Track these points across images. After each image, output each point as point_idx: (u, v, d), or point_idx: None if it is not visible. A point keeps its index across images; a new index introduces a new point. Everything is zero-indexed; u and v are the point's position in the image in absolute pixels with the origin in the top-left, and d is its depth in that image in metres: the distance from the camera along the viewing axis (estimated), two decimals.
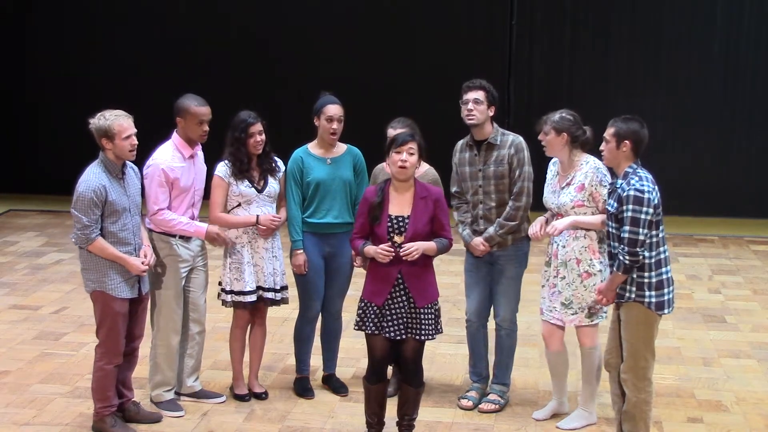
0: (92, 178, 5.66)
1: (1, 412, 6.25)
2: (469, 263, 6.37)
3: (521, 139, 6.22)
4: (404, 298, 5.50)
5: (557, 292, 5.99)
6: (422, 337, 5.53)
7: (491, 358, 6.50)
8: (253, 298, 6.31)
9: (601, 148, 5.53)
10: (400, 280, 5.49)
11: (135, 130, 5.72)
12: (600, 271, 5.85)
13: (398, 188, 5.56)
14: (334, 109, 6.29)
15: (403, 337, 5.52)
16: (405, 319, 5.50)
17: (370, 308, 5.54)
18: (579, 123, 5.91)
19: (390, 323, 5.49)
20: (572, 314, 5.95)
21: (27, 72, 13.09)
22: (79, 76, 12.84)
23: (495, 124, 6.26)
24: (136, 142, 5.73)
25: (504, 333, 6.37)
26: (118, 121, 5.66)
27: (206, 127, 6.11)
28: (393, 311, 5.50)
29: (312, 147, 6.41)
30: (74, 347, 7.41)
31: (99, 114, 5.71)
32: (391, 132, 6.10)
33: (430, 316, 5.52)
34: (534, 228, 5.99)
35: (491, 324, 6.44)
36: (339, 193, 6.34)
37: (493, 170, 6.16)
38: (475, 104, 6.12)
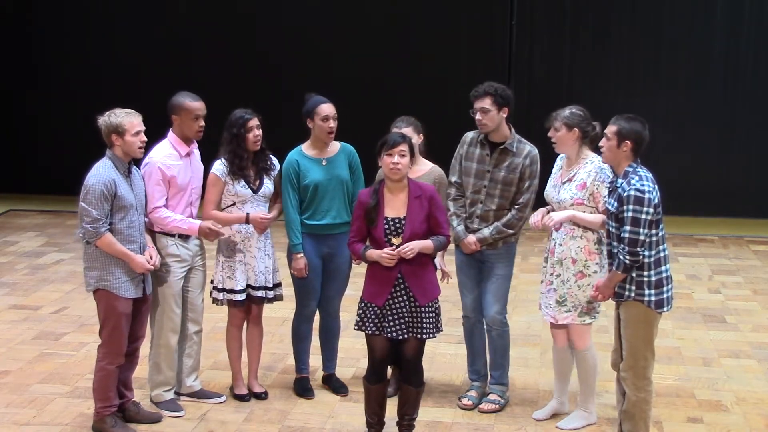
0: (102, 171, 5.69)
1: (1, 412, 6.25)
2: (460, 260, 6.37)
3: (536, 151, 6.20)
4: (405, 297, 5.50)
5: (553, 290, 6.00)
6: (424, 336, 5.53)
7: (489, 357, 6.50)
8: (242, 297, 6.32)
9: (601, 144, 5.53)
10: (401, 280, 5.50)
11: (144, 128, 5.77)
12: (595, 272, 5.84)
13: (392, 189, 5.56)
14: (328, 108, 6.28)
15: (405, 336, 5.52)
16: (406, 319, 5.51)
17: (371, 309, 5.54)
18: (589, 119, 5.91)
19: (391, 323, 5.50)
20: (566, 312, 5.96)
21: (27, 72, 13.08)
22: (79, 76, 12.84)
23: (513, 129, 6.23)
24: (146, 139, 5.78)
25: (495, 333, 6.36)
26: (129, 118, 5.72)
27: (202, 122, 6.13)
28: (394, 311, 5.50)
29: (306, 148, 6.39)
30: (74, 347, 7.41)
31: (108, 112, 5.76)
32: (396, 131, 6.13)
33: (431, 314, 5.53)
34: (535, 217, 5.99)
35: None
36: (337, 194, 6.34)
37: (503, 176, 6.15)
38: (483, 113, 6.10)
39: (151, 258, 5.85)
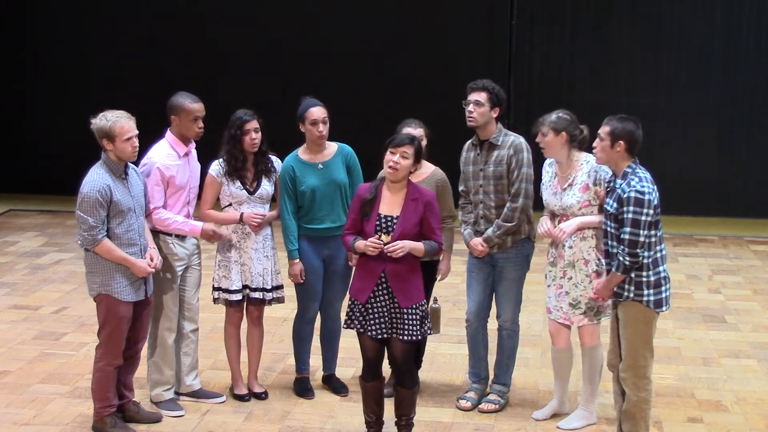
0: (96, 178, 5.65)
1: (1, 412, 6.25)
2: (471, 263, 6.37)
3: (522, 140, 6.19)
4: (387, 297, 5.48)
5: (564, 293, 5.97)
6: (404, 338, 5.50)
7: (491, 359, 6.49)
8: (238, 297, 6.31)
9: (594, 144, 5.52)
10: (384, 279, 5.48)
11: (136, 132, 5.70)
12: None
13: (391, 188, 5.55)
14: (317, 112, 6.26)
15: (385, 336, 5.51)
16: (387, 319, 5.49)
17: (356, 306, 5.55)
18: (576, 122, 5.89)
19: (373, 322, 5.49)
20: (580, 314, 5.95)
21: (27, 71, 13.09)
22: (79, 75, 12.84)
23: (499, 124, 6.23)
24: (137, 144, 5.73)
25: (505, 333, 6.36)
26: (119, 123, 5.64)
27: (201, 124, 6.11)
28: (376, 310, 5.49)
29: (302, 153, 6.38)
30: (74, 347, 7.41)
31: (101, 114, 5.70)
32: (410, 130, 6.13)
33: (414, 316, 5.49)
34: (544, 227, 5.97)
35: (492, 324, 6.44)
36: (335, 198, 6.33)
37: (493, 170, 6.15)
38: (476, 106, 6.10)
39: (152, 260, 5.85)
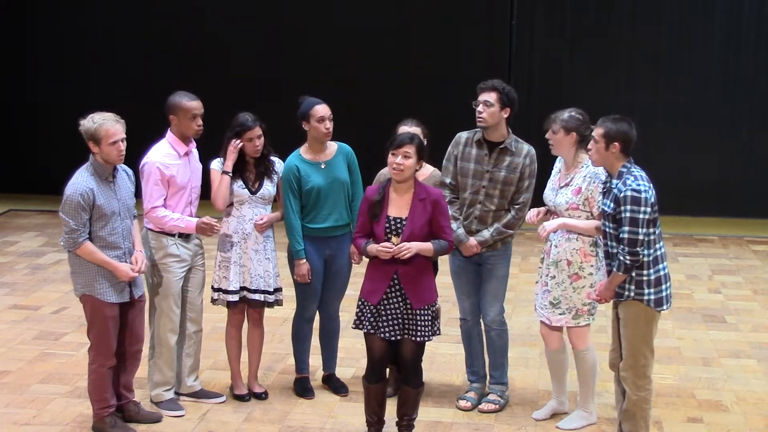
0: (80, 181, 5.63)
1: (1, 412, 6.26)
2: (457, 265, 6.32)
3: (534, 150, 6.19)
4: (399, 298, 5.49)
5: (547, 291, 6.00)
6: (418, 338, 5.51)
7: (488, 357, 6.50)
8: (235, 297, 6.30)
9: (589, 147, 5.52)
10: (396, 281, 5.48)
11: (123, 136, 5.62)
12: (590, 274, 5.84)
13: (398, 189, 5.55)
14: (323, 110, 6.25)
15: (398, 337, 5.51)
16: (400, 320, 5.49)
17: (367, 307, 5.54)
18: (587, 123, 5.87)
19: (385, 323, 5.49)
20: (560, 314, 5.96)
21: (27, 71, 13.08)
22: (79, 75, 12.82)
23: (509, 129, 6.21)
24: (123, 148, 5.62)
25: (494, 333, 6.35)
26: (105, 126, 5.57)
27: (200, 122, 6.10)
28: (388, 311, 5.49)
29: (304, 152, 6.37)
30: (74, 347, 7.41)
31: (89, 116, 5.65)
32: (405, 128, 6.12)
33: (426, 317, 5.51)
34: (530, 214, 6.00)
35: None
36: (338, 197, 6.33)
37: (504, 176, 6.12)
38: (485, 106, 6.07)
39: (136, 262, 5.79)
